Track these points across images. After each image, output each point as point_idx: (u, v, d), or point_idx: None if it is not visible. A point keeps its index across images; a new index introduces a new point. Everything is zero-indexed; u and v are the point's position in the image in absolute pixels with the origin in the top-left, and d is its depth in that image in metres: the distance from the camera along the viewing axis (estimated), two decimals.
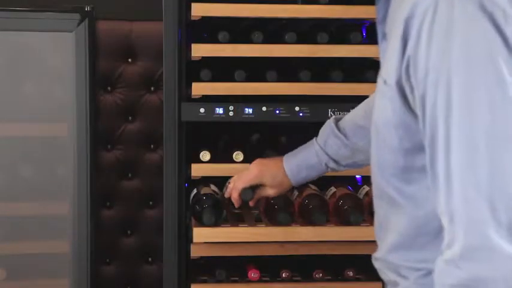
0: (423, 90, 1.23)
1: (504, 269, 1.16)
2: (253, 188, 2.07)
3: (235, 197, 2.08)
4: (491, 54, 1.19)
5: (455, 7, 1.20)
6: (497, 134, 1.17)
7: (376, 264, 1.49)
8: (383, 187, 1.40)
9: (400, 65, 1.27)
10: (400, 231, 1.38)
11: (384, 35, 1.39)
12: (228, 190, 2.12)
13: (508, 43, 1.19)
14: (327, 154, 1.94)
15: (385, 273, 1.46)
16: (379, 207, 1.44)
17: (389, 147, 1.35)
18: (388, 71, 1.31)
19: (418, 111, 1.26)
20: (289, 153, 2.04)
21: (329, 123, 1.95)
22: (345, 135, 1.90)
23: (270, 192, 2.07)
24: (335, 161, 1.95)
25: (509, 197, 1.17)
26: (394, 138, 1.33)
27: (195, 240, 2.25)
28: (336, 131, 1.92)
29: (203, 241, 2.26)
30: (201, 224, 2.25)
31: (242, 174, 2.08)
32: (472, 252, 1.18)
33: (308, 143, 2.01)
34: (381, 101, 1.35)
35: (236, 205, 2.11)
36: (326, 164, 1.96)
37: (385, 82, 1.33)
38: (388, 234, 1.41)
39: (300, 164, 1.99)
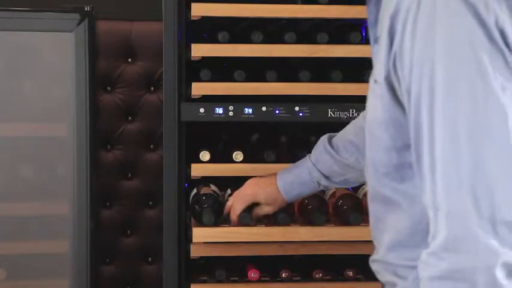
0: (408, 83, 1.25)
1: (485, 259, 1.16)
2: (251, 207, 2.13)
3: (234, 219, 2.15)
4: (474, 46, 1.20)
5: (437, 2, 1.21)
6: (480, 125, 1.18)
7: (374, 266, 1.49)
8: (377, 187, 1.40)
9: (388, 60, 1.29)
10: (397, 230, 1.38)
11: (376, 39, 1.40)
12: (227, 208, 2.18)
13: (491, 34, 1.21)
14: (319, 171, 1.97)
15: (382, 275, 1.46)
16: (375, 208, 1.45)
17: (382, 147, 1.36)
18: (378, 69, 1.33)
19: (406, 105, 1.28)
20: (283, 170, 2.07)
21: (322, 140, 1.98)
22: (337, 152, 1.93)
23: (266, 209, 2.12)
24: (327, 178, 1.98)
25: (491, 188, 1.17)
26: (386, 137, 1.34)
27: (194, 240, 2.25)
28: (328, 147, 1.95)
29: (203, 241, 2.26)
30: (201, 224, 2.25)
31: (239, 194, 2.13)
32: (454, 243, 1.18)
33: (302, 160, 2.03)
34: (372, 100, 1.37)
35: (235, 225, 2.18)
36: (318, 182, 2.00)
37: (375, 81, 1.35)
38: (384, 234, 1.42)
39: (293, 181, 2.03)
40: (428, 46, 1.21)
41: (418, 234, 1.34)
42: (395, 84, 1.29)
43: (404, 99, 1.27)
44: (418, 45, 1.22)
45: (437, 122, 1.20)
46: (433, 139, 1.21)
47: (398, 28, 1.26)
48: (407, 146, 1.32)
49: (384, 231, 1.42)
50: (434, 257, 1.20)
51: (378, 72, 1.33)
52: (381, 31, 1.35)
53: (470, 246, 1.17)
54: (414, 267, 1.33)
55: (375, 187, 1.42)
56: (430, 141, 1.21)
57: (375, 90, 1.35)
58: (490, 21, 1.21)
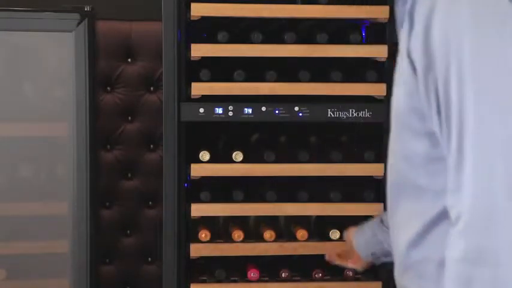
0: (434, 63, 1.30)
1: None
2: None
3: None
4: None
5: None
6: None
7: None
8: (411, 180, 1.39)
9: (409, 41, 1.32)
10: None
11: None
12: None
13: None
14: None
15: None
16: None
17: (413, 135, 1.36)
18: (400, 59, 1.36)
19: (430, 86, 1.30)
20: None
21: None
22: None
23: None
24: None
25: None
26: (416, 123, 1.35)
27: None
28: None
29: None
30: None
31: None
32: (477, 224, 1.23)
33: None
34: (396, 91, 1.38)
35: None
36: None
37: (400, 73, 1.36)
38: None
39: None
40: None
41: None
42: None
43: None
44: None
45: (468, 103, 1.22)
46: (462, 120, 1.23)
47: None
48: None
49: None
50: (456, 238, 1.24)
51: (401, 58, 1.35)
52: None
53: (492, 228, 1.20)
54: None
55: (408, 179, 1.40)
56: (459, 122, 1.23)
57: (398, 81, 1.37)
58: None
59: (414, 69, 1.32)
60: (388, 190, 1.45)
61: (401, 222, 1.43)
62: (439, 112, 1.27)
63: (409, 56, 1.33)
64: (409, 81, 1.33)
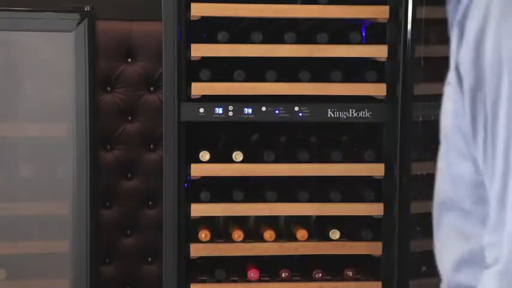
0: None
1: None
2: None
3: None
4: None
5: None
6: None
7: None
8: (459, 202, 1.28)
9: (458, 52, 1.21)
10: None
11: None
12: None
13: None
14: None
15: None
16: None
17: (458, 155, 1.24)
18: (450, 69, 1.24)
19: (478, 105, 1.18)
20: None
21: None
22: None
23: None
24: None
25: None
26: (461, 143, 1.23)
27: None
28: None
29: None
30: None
31: None
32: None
33: None
34: (445, 103, 1.26)
35: None
36: None
37: (448, 83, 1.25)
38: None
39: None
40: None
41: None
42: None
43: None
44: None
45: None
46: (509, 149, 1.10)
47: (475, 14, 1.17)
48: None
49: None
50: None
51: (450, 71, 1.25)
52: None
53: None
54: None
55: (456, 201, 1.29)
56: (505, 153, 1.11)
57: (447, 93, 1.25)
58: None
59: (461, 84, 1.20)
60: (433, 208, 1.34)
61: (446, 239, 1.32)
62: (485, 136, 1.14)
63: (456, 68, 1.21)
64: (456, 99, 1.21)
